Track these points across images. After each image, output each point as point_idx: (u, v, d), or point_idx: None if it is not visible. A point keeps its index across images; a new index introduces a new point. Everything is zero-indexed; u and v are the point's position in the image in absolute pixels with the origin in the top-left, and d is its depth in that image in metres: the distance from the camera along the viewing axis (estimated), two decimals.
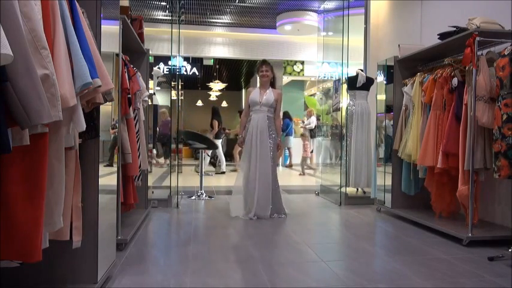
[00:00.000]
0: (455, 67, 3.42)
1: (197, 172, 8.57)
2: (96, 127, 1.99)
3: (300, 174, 8.81)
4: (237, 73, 14.34)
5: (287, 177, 8.35)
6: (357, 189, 5.28)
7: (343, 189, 5.00)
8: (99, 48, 1.95)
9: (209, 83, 14.14)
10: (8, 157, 1.27)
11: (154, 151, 6.14)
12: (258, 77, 4.34)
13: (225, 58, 11.25)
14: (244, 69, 13.38)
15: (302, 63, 11.46)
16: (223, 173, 8.75)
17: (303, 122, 10.43)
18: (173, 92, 5.40)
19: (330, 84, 6.59)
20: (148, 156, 4.07)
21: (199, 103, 16.16)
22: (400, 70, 4.28)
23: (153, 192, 4.60)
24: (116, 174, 2.63)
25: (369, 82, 5.06)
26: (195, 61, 11.24)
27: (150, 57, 4.16)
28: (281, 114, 6.40)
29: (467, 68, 3.18)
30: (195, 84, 15.23)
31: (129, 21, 3.07)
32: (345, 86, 5.29)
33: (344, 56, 5.10)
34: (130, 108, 3.07)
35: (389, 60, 4.37)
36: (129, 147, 2.95)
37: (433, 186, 3.68)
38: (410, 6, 5.05)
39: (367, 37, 5.80)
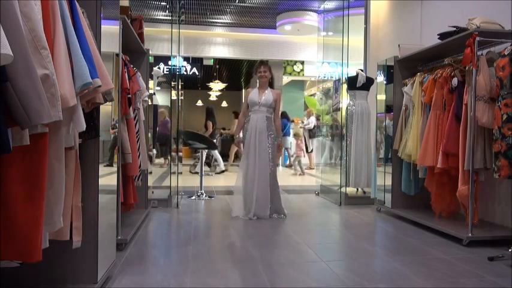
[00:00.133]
0: (455, 67, 3.42)
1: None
2: (96, 127, 1.99)
3: (300, 174, 8.82)
4: (237, 73, 14.34)
5: (287, 177, 8.35)
6: (357, 189, 5.28)
7: (343, 189, 5.00)
8: (99, 48, 1.95)
9: (209, 83, 14.14)
10: (8, 157, 1.27)
11: (154, 151, 6.14)
12: (256, 78, 4.34)
13: (225, 58, 11.25)
14: (244, 69, 13.38)
15: (302, 63, 11.46)
16: (223, 171, 8.76)
17: (303, 122, 10.45)
18: (173, 92, 5.40)
19: (330, 84, 6.59)
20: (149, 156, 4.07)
21: (199, 103, 16.16)
22: (400, 70, 4.28)
23: (153, 192, 4.60)
24: (116, 174, 2.63)
25: (369, 82, 5.06)
26: (195, 61, 11.24)
27: (150, 57, 4.16)
28: None
29: (467, 68, 3.18)
30: (195, 84, 15.23)
31: (129, 21, 3.07)
32: (345, 86, 5.29)
33: (344, 56, 5.10)
34: (130, 108, 3.07)
35: (389, 60, 4.38)
36: (129, 147, 2.95)
37: (433, 186, 3.68)
38: (410, 6, 5.05)
39: (367, 37, 5.80)
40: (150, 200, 4.31)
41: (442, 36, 3.50)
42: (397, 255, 2.82)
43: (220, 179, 7.96)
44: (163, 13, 8.99)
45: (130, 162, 2.98)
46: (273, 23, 9.57)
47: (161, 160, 7.87)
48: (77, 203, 1.82)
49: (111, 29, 2.43)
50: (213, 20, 9.78)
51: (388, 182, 4.30)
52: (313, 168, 9.53)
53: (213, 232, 3.58)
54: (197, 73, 11.27)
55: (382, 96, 4.56)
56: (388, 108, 4.40)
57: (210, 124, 8.50)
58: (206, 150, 7.95)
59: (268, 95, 4.16)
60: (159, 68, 9.06)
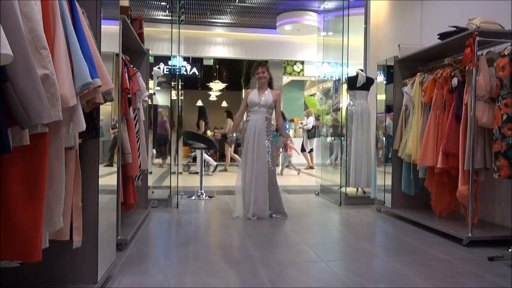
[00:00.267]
0: (455, 67, 3.42)
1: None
2: (96, 127, 1.99)
3: (298, 171, 8.87)
4: (237, 73, 14.35)
5: (286, 177, 8.35)
6: (357, 189, 5.28)
7: (343, 189, 5.00)
8: (99, 48, 1.95)
9: (209, 83, 14.15)
10: (8, 157, 1.27)
11: (154, 151, 6.14)
12: (255, 79, 4.34)
13: (225, 58, 11.26)
14: (244, 69, 13.38)
15: (302, 63, 11.46)
16: (216, 167, 8.76)
17: (302, 123, 10.46)
18: (173, 92, 5.40)
19: (330, 84, 6.59)
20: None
21: (199, 103, 16.15)
22: (400, 70, 4.28)
23: (153, 192, 4.60)
24: (116, 174, 2.63)
25: (369, 82, 5.06)
26: (195, 61, 11.25)
27: (150, 57, 4.16)
28: None
29: (467, 68, 3.18)
30: (195, 84, 15.24)
31: (129, 21, 3.07)
32: (345, 86, 5.29)
33: (344, 56, 5.10)
34: (130, 108, 3.07)
35: (389, 60, 4.37)
36: (129, 147, 2.95)
37: (433, 186, 3.68)
38: (410, 6, 5.05)
39: (367, 37, 5.80)
40: (150, 200, 4.31)
41: (442, 36, 3.50)
42: (397, 255, 2.82)
43: (220, 179, 7.96)
44: (163, 13, 9.00)
45: (130, 162, 2.98)
46: (273, 23, 9.58)
47: (159, 160, 7.87)
48: (77, 203, 1.82)
49: (111, 29, 2.43)
50: (213, 20, 9.79)
51: (388, 182, 4.30)
52: (313, 168, 9.54)
53: (213, 232, 3.58)
54: (197, 73, 11.27)
55: (382, 96, 4.56)
56: (388, 108, 4.40)
57: (202, 123, 8.52)
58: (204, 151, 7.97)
59: (267, 95, 4.16)
60: (159, 68, 9.06)
